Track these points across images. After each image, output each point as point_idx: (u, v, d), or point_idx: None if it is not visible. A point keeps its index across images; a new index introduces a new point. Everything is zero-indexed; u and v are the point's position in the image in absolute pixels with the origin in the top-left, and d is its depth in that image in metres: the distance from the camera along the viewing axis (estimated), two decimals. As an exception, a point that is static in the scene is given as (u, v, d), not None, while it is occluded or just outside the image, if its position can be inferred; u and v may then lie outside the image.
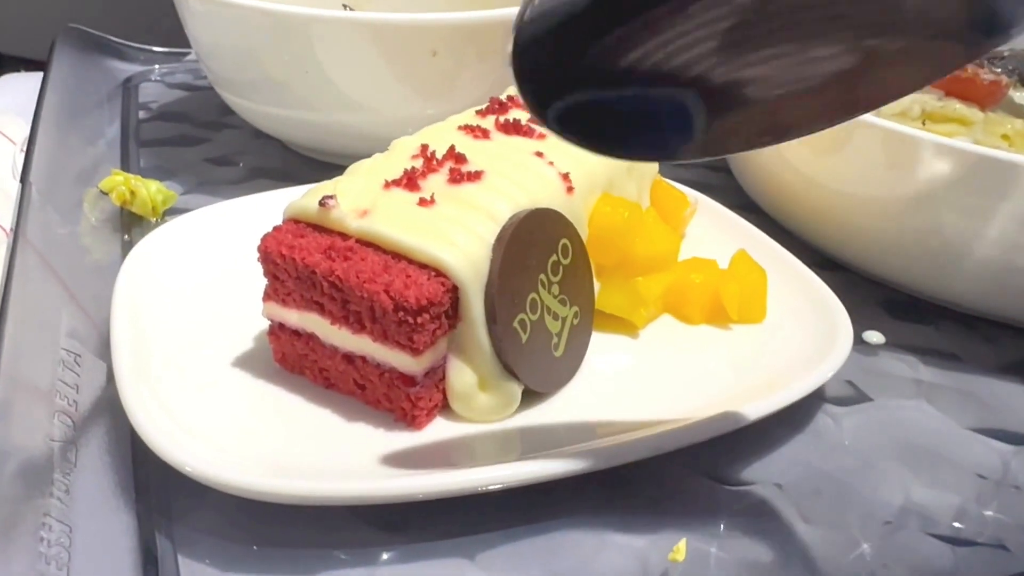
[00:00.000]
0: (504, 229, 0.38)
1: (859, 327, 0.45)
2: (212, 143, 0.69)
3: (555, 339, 0.40)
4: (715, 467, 0.39)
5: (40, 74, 0.83)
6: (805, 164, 0.54)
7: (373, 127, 0.60)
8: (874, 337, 0.49)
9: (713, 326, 0.46)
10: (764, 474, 0.39)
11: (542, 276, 0.39)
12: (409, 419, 0.38)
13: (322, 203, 0.38)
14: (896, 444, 0.42)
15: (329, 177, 0.62)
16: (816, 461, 0.40)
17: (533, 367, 0.39)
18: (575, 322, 0.41)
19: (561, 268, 0.40)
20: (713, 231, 0.53)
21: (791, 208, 0.57)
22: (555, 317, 0.40)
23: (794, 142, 0.53)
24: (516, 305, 0.38)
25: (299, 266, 0.37)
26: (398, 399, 0.38)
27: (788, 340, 0.44)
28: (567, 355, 0.41)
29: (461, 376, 0.38)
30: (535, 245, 0.39)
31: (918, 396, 0.45)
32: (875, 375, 0.46)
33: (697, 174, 0.69)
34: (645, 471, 0.38)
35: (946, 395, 0.45)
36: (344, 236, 0.38)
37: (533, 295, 0.39)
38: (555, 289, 0.40)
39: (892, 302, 0.52)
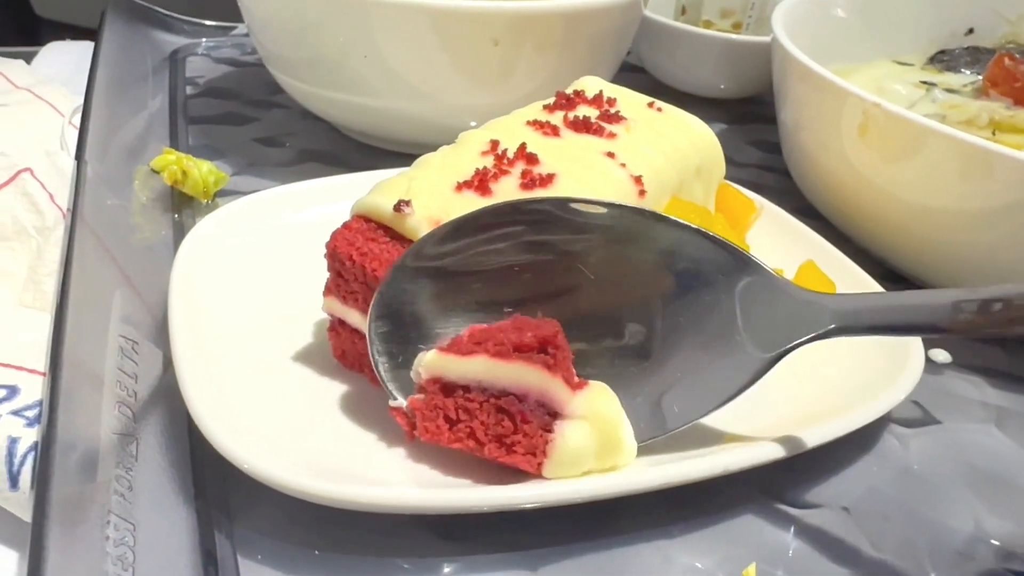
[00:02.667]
0: None
1: (925, 344, 0.43)
2: (261, 122, 0.68)
3: None
4: (781, 488, 0.38)
5: (84, 43, 0.83)
6: (873, 171, 0.52)
7: (427, 114, 0.59)
8: (940, 355, 0.48)
9: (777, 338, 0.45)
10: (831, 496, 0.38)
11: None
12: None
13: (397, 208, 0.37)
14: (965, 470, 0.40)
15: (379, 162, 0.62)
16: (884, 485, 0.39)
17: None
18: None
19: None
20: (776, 238, 0.51)
21: (854, 215, 0.56)
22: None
23: (863, 148, 0.52)
24: None
25: (368, 274, 0.36)
26: None
27: (857, 357, 0.43)
28: None
29: (577, 438, 0.34)
30: None
31: (986, 420, 0.44)
32: (942, 395, 0.45)
33: (751, 174, 0.68)
34: (711, 490, 0.37)
35: (1015, 420, 0.44)
36: None
37: None
38: None
39: (957, 319, 0.51)
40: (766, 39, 0.73)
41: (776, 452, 0.36)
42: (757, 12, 0.77)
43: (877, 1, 0.73)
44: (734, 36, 0.75)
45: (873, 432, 0.42)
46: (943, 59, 0.75)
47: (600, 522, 0.36)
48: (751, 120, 0.76)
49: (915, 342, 0.42)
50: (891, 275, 0.53)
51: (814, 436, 0.37)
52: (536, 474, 0.34)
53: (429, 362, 0.34)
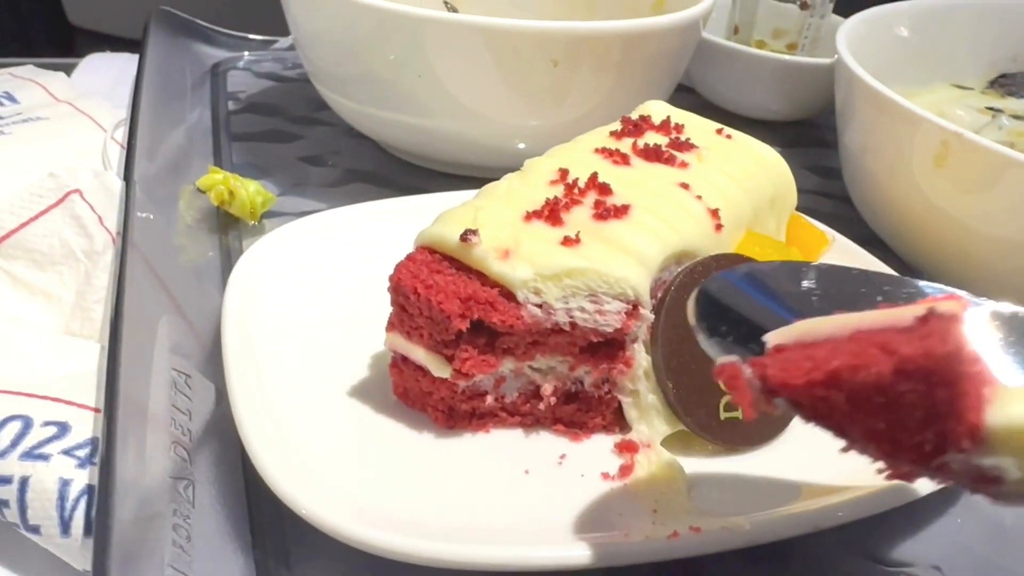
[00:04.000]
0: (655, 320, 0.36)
1: (1009, 387, 0.41)
2: (305, 140, 0.66)
3: None
4: (867, 543, 0.36)
5: (124, 55, 0.82)
6: (948, 201, 0.50)
7: (479, 135, 0.58)
8: (1024, 399, 0.45)
9: (854, 379, 0.43)
10: (921, 554, 0.36)
11: None
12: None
13: (463, 238, 0.35)
14: (1061, 527, 0.38)
15: (425, 182, 0.60)
16: (975, 543, 0.37)
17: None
18: None
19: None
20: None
21: (925, 246, 0.53)
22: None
23: (937, 177, 0.50)
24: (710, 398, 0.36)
25: (434, 309, 0.35)
26: None
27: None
28: None
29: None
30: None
31: (1079, 471, 0.41)
32: (1028, 443, 0.43)
33: (808, 200, 0.65)
34: (793, 545, 0.35)
35: (1110, 472, 0.41)
36: (484, 278, 0.35)
37: None
38: None
39: (1038, 359, 0.48)
40: (822, 61, 0.71)
41: (867, 509, 0.34)
42: (812, 33, 0.75)
43: (939, 21, 0.71)
44: (788, 57, 0.73)
45: (960, 483, 0.39)
46: (1004, 83, 0.73)
47: (680, 579, 0.33)
48: (805, 144, 0.74)
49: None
50: (965, 311, 0.51)
51: (907, 491, 0.35)
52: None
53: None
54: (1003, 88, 0.72)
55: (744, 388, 0.26)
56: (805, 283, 0.30)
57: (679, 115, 0.47)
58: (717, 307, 0.30)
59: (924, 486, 0.35)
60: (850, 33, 0.61)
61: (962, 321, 0.23)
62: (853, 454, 0.37)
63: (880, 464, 0.24)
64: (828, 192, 0.67)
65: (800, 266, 0.32)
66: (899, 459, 0.23)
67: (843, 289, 0.30)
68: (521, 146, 0.58)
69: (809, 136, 0.75)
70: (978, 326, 0.24)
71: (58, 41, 1.33)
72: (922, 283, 0.30)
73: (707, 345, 0.29)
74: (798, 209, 0.54)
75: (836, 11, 0.77)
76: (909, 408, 0.22)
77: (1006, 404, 0.21)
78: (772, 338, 0.27)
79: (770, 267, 0.33)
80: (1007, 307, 0.27)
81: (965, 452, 0.22)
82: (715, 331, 0.29)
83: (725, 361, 0.27)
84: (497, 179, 0.42)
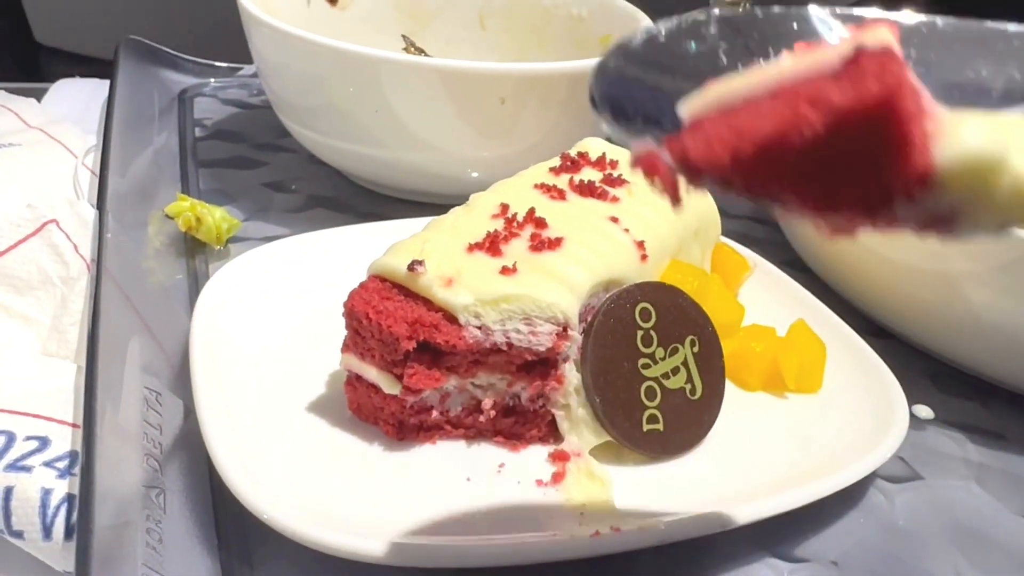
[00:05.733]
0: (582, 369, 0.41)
1: (908, 400, 0.45)
2: (269, 167, 0.70)
3: (689, 386, 0.42)
4: (771, 541, 0.40)
5: (93, 80, 0.84)
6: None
7: (433, 165, 0.61)
8: (923, 411, 0.50)
9: (769, 393, 0.47)
10: (820, 551, 0.40)
11: (641, 361, 0.41)
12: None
13: (411, 268, 0.39)
14: (948, 527, 0.43)
15: (384, 208, 0.64)
16: (870, 540, 0.41)
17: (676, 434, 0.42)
18: (694, 350, 0.43)
19: (652, 333, 0.41)
20: (768, 295, 0.54)
21: (842, 271, 0.58)
22: (674, 372, 0.42)
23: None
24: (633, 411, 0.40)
25: (384, 332, 0.38)
26: None
27: (844, 414, 0.45)
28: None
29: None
30: (617, 347, 0.40)
31: (967, 477, 0.46)
32: (924, 451, 0.47)
33: (743, 226, 0.70)
34: (705, 544, 0.39)
35: (995, 477, 0.46)
36: (430, 304, 0.39)
37: (647, 385, 0.41)
38: (659, 353, 0.41)
39: (939, 375, 0.53)
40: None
41: (773, 509, 0.38)
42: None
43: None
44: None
45: (860, 488, 0.44)
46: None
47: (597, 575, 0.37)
48: (742, 170, 0.79)
49: (899, 401, 0.45)
50: (874, 329, 0.56)
51: (807, 493, 0.39)
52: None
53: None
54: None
55: (665, 175, 0.23)
56: (711, 39, 0.27)
57: (614, 151, 0.51)
58: (619, 86, 0.26)
59: (814, 492, 0.39)
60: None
61: (896, 53, 0.19)
62: (763, 457, 0.42)
63: None
64: (763, 218, 0.71)
65: (700, 20, 0.28)
66: (839, 215, 0.21)
67: (753, 34, 0.27)
68: (474, 175, 0.62)
69: (746, 164, 0.80)
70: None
71: (24, 61, 1.34)
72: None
73: (615, 132, 0.26)
74: (735, 234, 0.58)
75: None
76: (849, 164, 0.20)
77: (954, 135, 0.19)
78: (687, 109, 0.23)
79: (668, 29, 0.28)
80: (909, 17, 0.25)
81: (915, 198, 0.19)
82: (622, 114, 0.25)
83: (639, 151, 0.23)
84: (450, 205, 0.46)
